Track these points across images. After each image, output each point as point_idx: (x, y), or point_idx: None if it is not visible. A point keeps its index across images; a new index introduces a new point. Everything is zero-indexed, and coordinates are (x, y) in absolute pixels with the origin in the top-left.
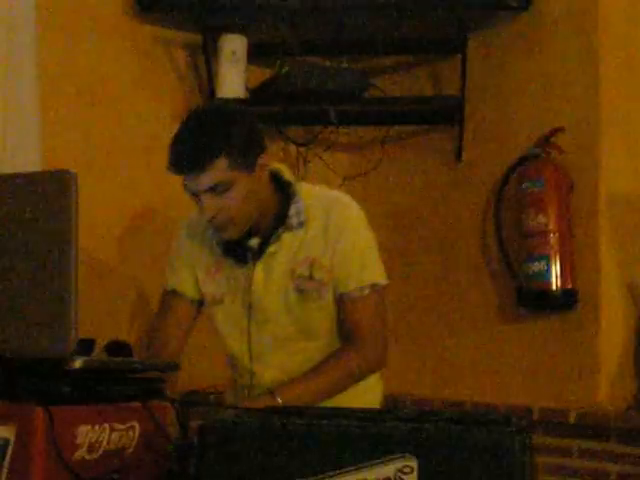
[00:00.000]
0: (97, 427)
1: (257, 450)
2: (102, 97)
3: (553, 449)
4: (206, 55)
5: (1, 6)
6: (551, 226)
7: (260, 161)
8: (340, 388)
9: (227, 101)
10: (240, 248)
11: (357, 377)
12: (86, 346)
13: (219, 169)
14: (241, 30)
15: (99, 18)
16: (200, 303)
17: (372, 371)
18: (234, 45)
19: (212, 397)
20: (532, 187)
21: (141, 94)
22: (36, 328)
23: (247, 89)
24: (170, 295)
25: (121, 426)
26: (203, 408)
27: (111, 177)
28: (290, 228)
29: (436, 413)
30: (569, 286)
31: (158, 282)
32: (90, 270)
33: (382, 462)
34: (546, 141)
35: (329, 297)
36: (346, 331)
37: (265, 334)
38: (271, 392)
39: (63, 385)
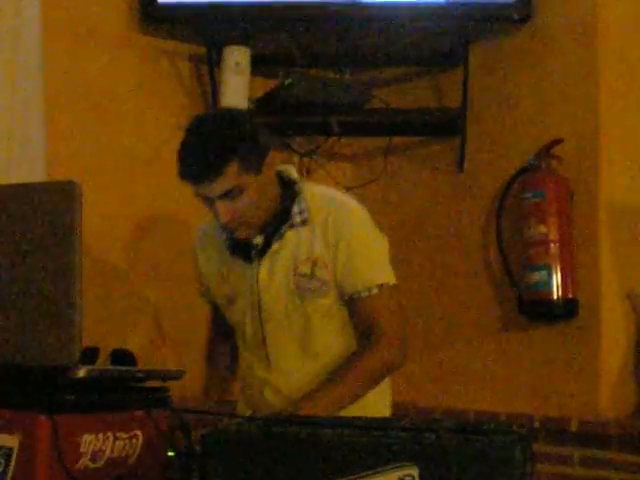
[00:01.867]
0: (101, 435)
1: (259, 459)
2: (107, 108)
3: (554, 457)
4: (210, 66)
5: (7, 18)
6: (552, 236)
7: (267, 160)
8: (361, 393)
9: (226, 108)
10: (246, 247)
11: (378, 378)
12: (90, 355)
13: (231, 175)
14: (245, 42)
15: (104, 30)
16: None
17: (392, 369)
18: (238, 56)
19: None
20: (533, 197)
21: (145, 105)
22: (40, 337)
23: (250, 100)
24: (211, 305)
25: (124, 435)
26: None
27: (115, 187)
28: (293, 226)
29: (437, 422)
30: (570, 296)
31: (162, 290)
32: (94, 279)
33: (383, 471)
34: (546, 152)
35: (332, 296)
36: (362, 331)
37: (271, 332)
38: (292, 407)
39: (67, 394)
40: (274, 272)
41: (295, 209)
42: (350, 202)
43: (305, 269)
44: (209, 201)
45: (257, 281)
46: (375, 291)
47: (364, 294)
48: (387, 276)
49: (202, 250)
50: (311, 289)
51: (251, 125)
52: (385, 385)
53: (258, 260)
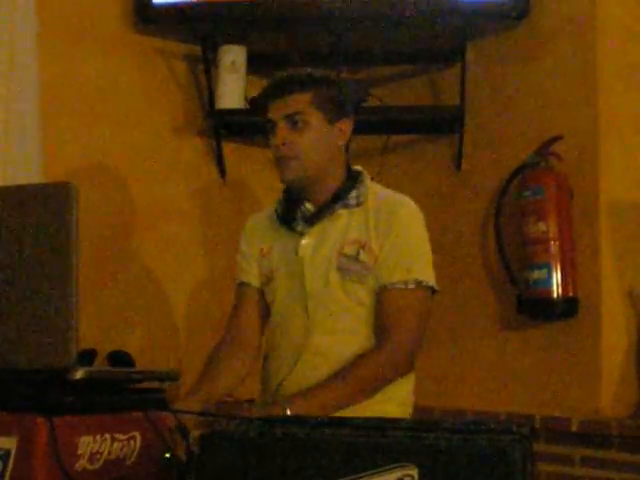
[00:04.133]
0: (98, 437)
1: (257, 460)
2: (102, 109)
3: (555, 457)
4: (206, 66)
5: (2, 18)
6: (551, 234)
7: (343, 124)
8: (358, 396)
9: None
10: (294, 214)
11: (379, 383)
12: (87, 356)
13: (303, 99)
14: (240, 40)
15: (99, 30)
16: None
17: (397, 375)
18: (233, 55)
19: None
20: (532, 195)
21: (141, 104)
22: (37, 339)
23: (246, 99)
24: (239, 288)
25: (122, 436)
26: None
27: (112, 188)
28: (347, 206)
29: (436, 422)
30: (570, 294)
31: (158, 292)
32: (90, 281)
33: (383, 471)
34: (545, 149)
35: (369, 285)
36: (381, 324)
37: (312, 301)
38: (285, 403)
39: (64, 395)
40: (319, 249)
41: (354, 193)
42: (409, 200)
43: (351, 250)
44: (273, 128)
45: (299, 247)
46: (411, 286)
47: (399, 286)
48: (428, 275)
49: (249, 231)
50: (352, 271)
51: (347, 89)
52: (407, 398)
53: (303, 228)
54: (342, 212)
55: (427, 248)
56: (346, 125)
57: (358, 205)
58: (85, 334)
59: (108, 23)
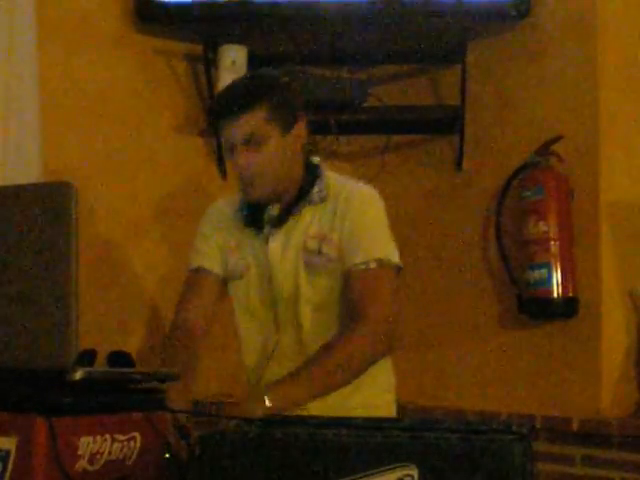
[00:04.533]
0: (98, 438)
1: (257, 460)
2: (102, 108)
3: (556, 457)
4: (206, 65)
5: (2, 19)
6: (552, 234)
7: (297, 127)
8: (338, 379)
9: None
10: (260, 216)
11: (356, 364)
12: (87, 357)
13: (256, 117)
14: (241, 40)
15: (99, 30)
16: (225, 282)
17: (375, 355)
18: (234, 55)
19: (213, 407)
20: (532, 195)
21: (141, 104)
22: (37, 339)
23: None
24: (193, 274)
25: (122, 437)
26: (204, 418)
27: (111, 188)
28: (311, 202)
29: (436, 422)
30: (570, 294)
31: (159, 291)
32: (90, 281)
33: (383, 471)
34: (546, 149)
35: (335, 275)
36: (350, 307)
37: (282, 304)
38: (263, 388)
39: (64, 396)
40: (287, 246)
41: (315, 188)
42: (366, 187)
43: (313, 245)
44: (231, 150)
45: (268, 252)
46: (373, 265)
47: (361, 267)
48: (389, 252)
49: (215, 221)
50: (317, 265)
51: (293, 90)
52: (391, 384)
53: (270, 230)
54: (306, 210)
55: (384, 228)
56: (301, 126)
57: (321, 201)
58: (85, 334)
59: (109, 23)
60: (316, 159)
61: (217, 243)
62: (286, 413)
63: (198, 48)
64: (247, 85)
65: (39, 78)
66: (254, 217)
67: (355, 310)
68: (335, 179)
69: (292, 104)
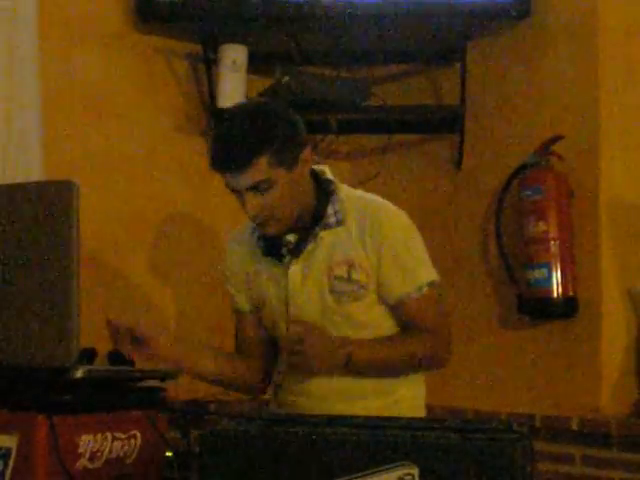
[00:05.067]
0: (99, 436)
1: (258, 458)
2: (103, 107)
3: (555, 456)
4: (207, 65)
5: (2, 18)
6: (552, 233)
7: (302, 156)
8: (407, 366)
9: (266, 98)
10: (278, 246)
11: (426, 361)
12: (88, 355)
13: (260, 168)
14: (241, 40)
15: (100, 28)
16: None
17: (439, 363)
18: (234, 55)
19: (212, 406)
20: (532, 195)
21: (142, 104)
22: (38, 338)
23: (248, 98)
24: (235, 314)
25: (122, 435)
26: (204, 417)
27: (112, 187)
28: (328, 226)
29: (437, 421)
30: (570, 293)
31: (159, 291)
32: (91, 280)
33: (383, 470)
34: (546, 149)
35: (369, 298)
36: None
37: None
38: (346, 339)
39: (65, 394)
40: (309, 273)
41: (330, 210)
42: (386, 204)
43: (341, 272)
44: (239, 193)
45: (287, 282)
46: (425, 290)
47: (414, 295)
48: (432, 273)
49: (231, 257)
50: (347, 292)
51: (289, 120)
52: (421, 388)
53: (290, 259)
54: (324, 234)
55: (420, 245)
56: (305, 154)
57: (338, 224)
58: (85, 333)
59: (109, 21)
60: (326, 172)
61: (240, 282)
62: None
63: (198, 47)
64: (243, 136)
65: (40, 77)
66: (272, 247)
67: (421, 329)
68: (351, 196)
69: (294, 140)
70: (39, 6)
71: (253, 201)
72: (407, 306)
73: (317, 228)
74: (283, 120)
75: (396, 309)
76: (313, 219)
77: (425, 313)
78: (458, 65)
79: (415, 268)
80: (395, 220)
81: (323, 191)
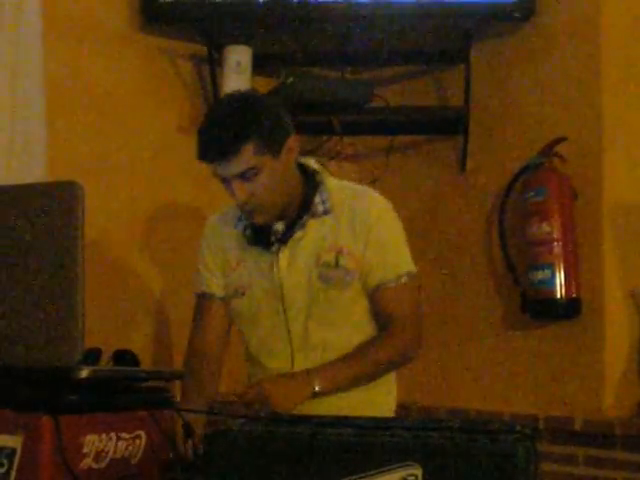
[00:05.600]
0: (104, 436)
1: (263, 459)
2: (108, 108)
3: (559, 457)
4: (211, 66)
5: (7, 17)
6: (555, 235)
7: (287, 144)
8: (374, 374)
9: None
10: (266, 234)
11: (392, 365)
12: (93, 356)
13: (246, 155)
14: (246, 41)
15: (105, 30)
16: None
17: (407, 360)
18: (239, 56)
19: (216, 406)
20: (535, 196)
21: (147, 105)
22: (43, 338)
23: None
24: (200, 299)
25: (127, 435)
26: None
27: (116, 187)
28: (315, 215)
29: (440, 421)
30: (573, 295)
31: (165, 290)
32: (96, 280)
33: (387, 470)
34: (549, 150)
35: (355, 286)
36: (383, 320)
37: (294, 321)
38: (308, 372)
39: (70, 394)
40: (295, 261)
41: (317, 199)
42: (373, 193)
43: (329, 258)
44: (226, 181)
45: (278, 269)
46: (404, 279)
47: (392, 283)
48: (412, 264)
49: (210, 240)
50: (334, 278)
51: (272, 107)
52: (392, 386)
53: (278, 247)
54: (312, 222)
55: (403, 236)
56: (292, 141)
57: (326, 213)
58: (89, 334)
59: (114, 22)
60: (312, 162)
61: (217, 266)
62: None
63: (203, 48)
64: (229, 124)
65: (45, 76)
66: (259, 236)
67: (391, 319)
68: (338, 186)
69: (277, 127)
70: (44, 6)
71: (241, 188)
72: (384, 293)
73: (305, 217)
74: (267, 107)
75: (372, 296)
76: (301, 208)
77: (400, 303)
78: (462, 66)
79: (397, 257)
80: (383, 209)
81: (310, 181)
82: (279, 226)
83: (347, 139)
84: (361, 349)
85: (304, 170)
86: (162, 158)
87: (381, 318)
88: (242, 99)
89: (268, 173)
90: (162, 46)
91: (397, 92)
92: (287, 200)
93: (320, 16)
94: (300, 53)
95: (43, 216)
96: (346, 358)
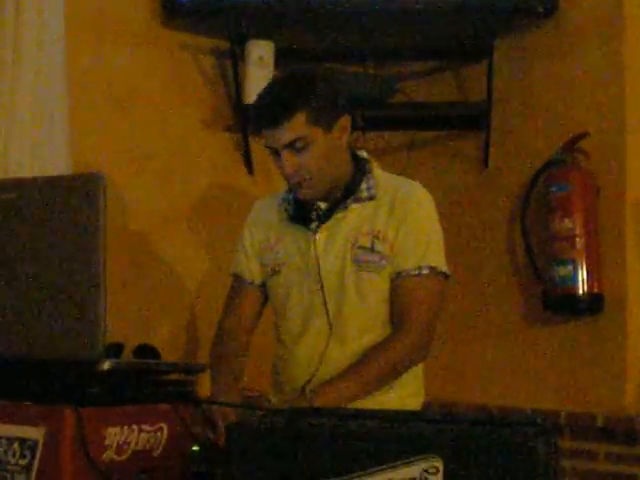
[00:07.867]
0: (125, 428)
1: (283, 451)
2: (130, 103)
3: (580, 453)
4: (233, 61)
5: (30, 14)
6: (577, 230)
7: (341, 122)
8: (381, 384)
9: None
10: (307, 212)
11: (399, 370)
12: (115, 350)
13: (298, 123)
14: (268, 36)
15: (127, 25)
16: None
17: (415, 361)
18: (261, 51)
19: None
20: (558, 192)
21: (169, 100)
22: (66, 331)
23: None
24: (235, 280)
25: (149, 427)
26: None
27: (139, 181)
28: (359, 200)
29: (461, 414)
30: (595, 290)
31: (188, 285)
32: (119, 274)
33: (408, 463)
34: (572, 146)
35: (385, 273)
36: (396, 313)
37: (329, 298)
38: (306, 394)
39: (92, 387)
40: (333, 241)
41: (364, 185)
42: (419, 185)
43: (365, 242)
44: (276, 154)
45: (315, 247)
46: (425, 272)
47: (413, 272)
48: (441, 262)
49: (251, 223)
50: (368, 262)
51: (332, 84)
52: (420, 389)
53: (318, 225)
54: (354, 206)
55: (440, 235)
56: (344, 121)
57: (370, 199)
58: (112, 328)
59: (136, 17)
60: (364, 153)
61: (254, 248)
62: None
63: (225, 43)
64: (284, 92)
65: (68, 73)
66: (301, 213)
67: (401, 315)
68: (385, 176)
69: (332, 102)
70: (67, 3)
71: (290, 160)
72: (402, 282)
73: (349, 200)
74: (324, 81)
75: (392, 283)
76: (346, 191)
77: (415, 297)
78: (484, 62)
79: (426, 248)
80: (425, 199)
81: (359, 168)
82: (322, 204)
83: (369, 134)
84: (364, 361)
85: (355, 157)
86: (184, 152)
87: (393, 310)
88: (300, 72)
89: (318, 147)
90: (184, 41)
91: (419, 88)
92: (334, 180)
93: (342, 11)
94: (322, 48)
95: (66, 208)
96: (349, 373)
